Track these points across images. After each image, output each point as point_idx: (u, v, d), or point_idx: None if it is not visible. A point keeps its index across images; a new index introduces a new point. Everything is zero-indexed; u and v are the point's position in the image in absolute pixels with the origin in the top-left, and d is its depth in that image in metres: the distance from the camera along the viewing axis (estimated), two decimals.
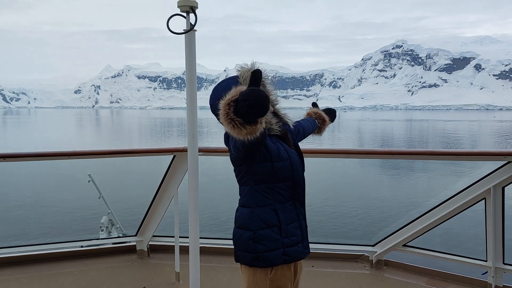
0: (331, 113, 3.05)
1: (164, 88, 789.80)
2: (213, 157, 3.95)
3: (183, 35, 3.10)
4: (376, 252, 4.09)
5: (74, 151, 3.74)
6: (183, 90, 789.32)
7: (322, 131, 2.99)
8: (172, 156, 3.90)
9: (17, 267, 4.00)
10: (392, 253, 4.11)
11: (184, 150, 3.72)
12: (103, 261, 4.22)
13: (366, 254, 4.20)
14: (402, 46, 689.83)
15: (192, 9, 3.03)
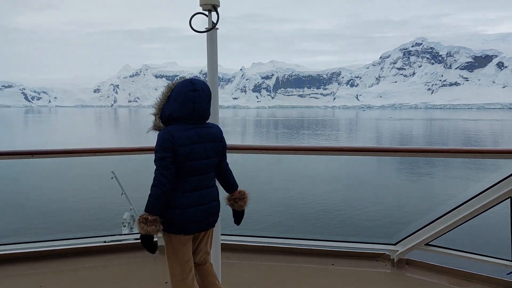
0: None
1: None
2: (233, 154, 3.97)
3: (205, 33, 3.14)
4: (398, 251, 4.05)
5: (98, 148, 3.81)
6: None
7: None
8: None
9: (42, 262, 4.11)
10: (413, 252, 4.07)
11: None
12: (125, 256, 4.29)
13: (387, 253, 4.16)
14: (421, 44, 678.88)
15: (214, 7, 3.06)
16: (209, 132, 2.81)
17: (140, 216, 2.57)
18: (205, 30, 3.10)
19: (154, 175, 2.58)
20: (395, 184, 16.92)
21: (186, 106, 2.68)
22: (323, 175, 17.98)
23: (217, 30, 3.13)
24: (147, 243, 2.61)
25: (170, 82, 2.85)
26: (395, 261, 4.05)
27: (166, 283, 3.71)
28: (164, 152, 2.61)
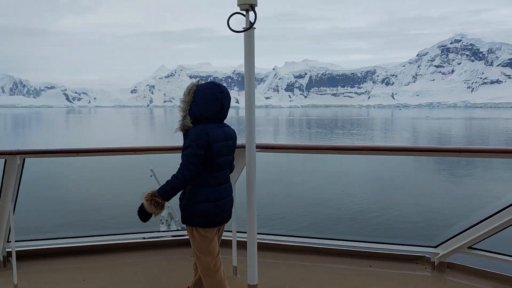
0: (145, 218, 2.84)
1: None
2: (268, 154, 3.98)
3: (242, 33, 3.15)
4: (439, 253, 3.92)
5: (138, 147, 3.91)
6: (233, 89, 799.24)
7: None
8: None
9: (85, 256, 4.27)
10: (455, 256, 3.93)
11: (241, 147, 3.78)
12: (163, 253, 4.38)
13: (428, 256, 4.04)
14: (461, 40, 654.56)
15: (252, 7, 3.07)
16: (230, 131, 3.08)
17: (151, 196, 2.68)
18: (243, 29, 3.11)
19: (179, 168, 2.73)
20: (434, 185, 16.40)
21: (215, 107, 2.89)
22: (359, 175, 17.69)
23: (255, 29, 3.14)
24: (145, 217, 2.75)
25: (194, 85, 2.96)
26: (435, 264, 3.92)
27: None
28: (197, 149, 2.75)
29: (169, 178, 2.73)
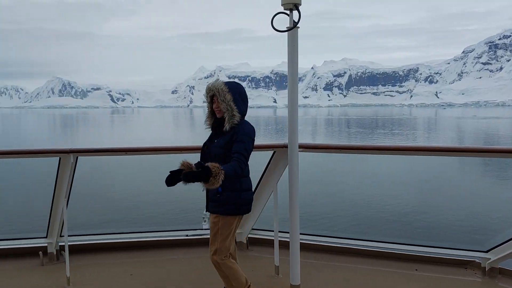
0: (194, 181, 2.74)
1: (253, 87, 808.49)
2: (309, 153, 3.94)
3: (285, 33, 3.15)
4: (490, 259, 3.74)
5: (184, 146, 4.00)
6: (271, 89, 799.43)
7: (215, 186, 2.70)
8: (272, 152, 3.98)
9: (131, 252, 4.42)
10: (508, 261, 3.74)
11: (284, 146, 3.77)
12: (206, 250, 4.43)
13: (478, 261, 3.87)
14: (510, 36, 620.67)
15: (296, 6, 3.06)
16: None
17: (219, 169, 2.65)
18: (286, 29, 3.11)
19: (241, 159, 2.84)
20: (481, 188, 15.64)
21: (247, 103, 3.16)
22: (400, 176, 17.19)
23: (298, 28, 3.13)
24: (188, 179, 2.66)
25: (224, 84, 3.01)
26: (486, 270, 3.75)
27: None
28: (252, 144, 2.99)
29: (233, 163, 2.79)
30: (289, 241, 4.35)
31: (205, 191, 3.03)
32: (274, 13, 3.05)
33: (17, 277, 3.83)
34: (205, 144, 3.12)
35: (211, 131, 3.14)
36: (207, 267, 4.02)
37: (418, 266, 3.95)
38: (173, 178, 2.89)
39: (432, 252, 4.06)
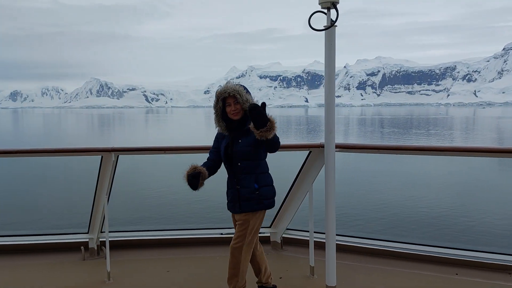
0: (254, 117, 2.84)
1: (284, 87, 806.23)
2: (344, 153, 3.89)
3: (319, 31, 3.12)
4: None
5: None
6: (302, 88, 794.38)
7: (266, 137, 2.86)
8: (308, 152, 3.96)
9: (168, 249, 4.50)
10: None
11: (320, 146, 3.74)
12: None
13: None
14: None
15: (334, 4, 3.02)
16: None
17: (273, 123, 2.84)
18: (324, 28, 3.08)
19: (277, 143, 2.97)
20: None
21: None
22: (437, 178, 16.65)
23: (336, 27, 3.09)
24: (262, 116, 2.81)
25: (240, 86, 3.08)
26: None
27: (280, 278, 3.79)
28: None
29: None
30: (324, 242, 4.31)
31: (234, 193, 3.11)
32: (311, 12, 3.03)
33: (61, 271, 3.99)
34: (227, 147, 3.11)
35: (226, 134, 3.15)
36: None
37: (458, 270, 3.82)
38: (194, 179, 3.02)
39: (474, 256, 3.92)
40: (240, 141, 3.06)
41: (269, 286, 3.39)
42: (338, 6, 3.02)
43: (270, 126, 2.78)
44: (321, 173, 3.90)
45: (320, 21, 3.12)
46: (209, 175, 3.20)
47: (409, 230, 9.32)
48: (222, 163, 3.23)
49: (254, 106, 2.79)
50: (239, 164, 3.07)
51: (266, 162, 3.21)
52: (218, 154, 3.22)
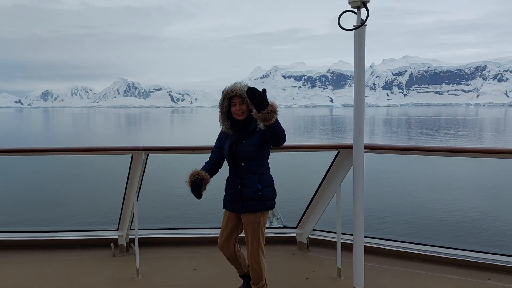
0: (254, 100, 2.80)
1: (308, 87, 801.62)
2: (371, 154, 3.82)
3: (353, 31, 3.08)
4: None
5: None
6: (327, 88, 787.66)
7: (268, 122, 2.82)
8: (336, 152, 3.92)
9: (196, 247, 4.55)
10: None
11: (349, 147, 3.70)
12: (266, 249, 4.44)
13: None
14: None
15: (364, 3, 2.98)
16: None
17: (274, 107, 2.81)
18: (353, 27, 3.05)
19: (280, 130, 2.90)
20: None
21: None
22: (467, 180, 16.21)
23: (366, 26, 3.05)
24: (260, 97, 2.78)
25: (246, 85, 3.07)
26: None
27: (307, 279, 3.77)
28: None
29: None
30: (351, 243, 4.25)
31: (236, 193, 3.12)
32: (341, 12, 3.00)
33: (92, 266, 4.10)
34: (231, 146, 3.12)
35: (230, 134, 3.15)
36: (271, 266, 4.04)
37: (491, 275, 3.71)
38: (198, 187, 3.07)
39: (507, 261, 3.80)
40: (244, 141, 3.07)
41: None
42: (367, 5, 2.98)
43: (271, 110, 2.77)
44: (348, 174, 3.87)
45: (349, 20, 3.08)
46: (212, 176, 3.22)
47: (440, 233, 9.10)
48: (224, 163, 3.27)
49: (252, 88, 2.80)
50: (242, 164, 3.08)
51: (268, 163, 3.21)
52: (220, 154, 3.23)
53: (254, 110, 2.81)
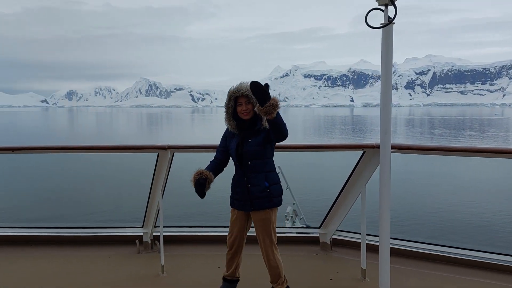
0: (257, 94, 2.80)
1: (329, 86, 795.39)
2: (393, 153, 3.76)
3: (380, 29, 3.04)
4: None
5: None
6: (348, 87, 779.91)
7: (270, 116, 2.82)
8: (362, 152, 3.88)
9: (219, 245, 4.57)
10: None
11: (375, 147, 3.65)
12: (289, 249, 4.47)
13: None
14: None
15: (392, 1, 2.94)
16: None
17: (276, 101, 2.81)
18: (381, 25, 3.00)
19: (282, 124, 2.92)
20: None
21: None
22: (493, 182, 15.77)
23: (394, 24, 3.01)
24: (263, 91, 2.79)
25: (248, 83, 3.05)
26: None
27: (331, 279, 3.74)
28: None
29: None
30: (375, 244, 4.19)
31: (244, 192, 3.15)
32: (369, 9, 2.96)
33: (117, 263, 4.17)
34: (238, 145, 3.15)
35: (235, 133, 3.19)
36: (292, 266, 4.03)
37: None
38: (201, 186, 3.11)
39: None
40: (250, 140, 3.10)
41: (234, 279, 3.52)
42: (395, 2, 2.94)
43: (274, 103, 2.78)
44: (373, 174, 3.83)
45: (376, 18, 3.04)
46: (216, 175, 3.25)
47: (468, 235, 8.85)
48: (228, 162, 3.31)
49: (255, 82, 2.83)
50: (249, 163, 3.11)
51: (273, 161, 3.24)
52: (225, 154, 3.26)
53: (257, 104, 2.82)
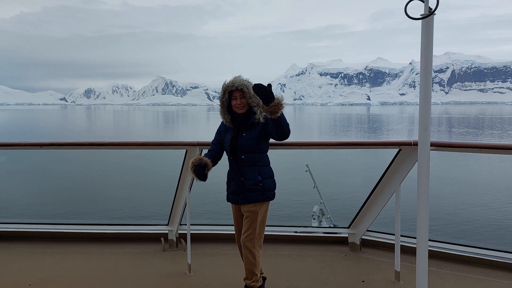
0: (261, 95, 2.82)
1: (345, 84, 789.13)
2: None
3: (419, 21, 2.91)
4: None
5: (300, 142, 3.95)
6: (364, 85, 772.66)
7: (275, 116, 2.85)
8: (397, 149, 3.74)
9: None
10: None
11: (413, 144, 3.51)
12: (316, 249, 4.36)
13: None
14: None
15: None
16: None
17: (280, 100, 2.87)
18: (421, 17, 2.87)
19: (285, 123, 2.95)
20: None
21: None
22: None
23: (434, 15, 2.87)
24: (266, 92, 2.83)
25: (248, 81, 3.18)
26: None
27: (363, 281, 3.62)
28: None
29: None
30: (408, 246, 4.06)
31: (238, 185, 3.17)
32: (408, 0, 2.84)
33: (143, 260, 4.12)
34: (232, 139, 3.19)
35: (230, 127, 3.23)
36: (320, 266, 3.93)
37: None
38: (202, 169, 3.11)
39: None
40: (244, 134, 3.13)
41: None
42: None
43: (278, 103, 2.81)
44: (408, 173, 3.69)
45: (415, 9, 2.93)
46: (213, 165, 3.29)
47: (506, 238, 8.53)
48: (223, 156, 3.34)
49: (258, 84, 2.84)
50: (243, 157, 3.13)
51: (267, 156, 3.27)
52: (220, 147, 3.29)
53: (261, 104, 2.83)
